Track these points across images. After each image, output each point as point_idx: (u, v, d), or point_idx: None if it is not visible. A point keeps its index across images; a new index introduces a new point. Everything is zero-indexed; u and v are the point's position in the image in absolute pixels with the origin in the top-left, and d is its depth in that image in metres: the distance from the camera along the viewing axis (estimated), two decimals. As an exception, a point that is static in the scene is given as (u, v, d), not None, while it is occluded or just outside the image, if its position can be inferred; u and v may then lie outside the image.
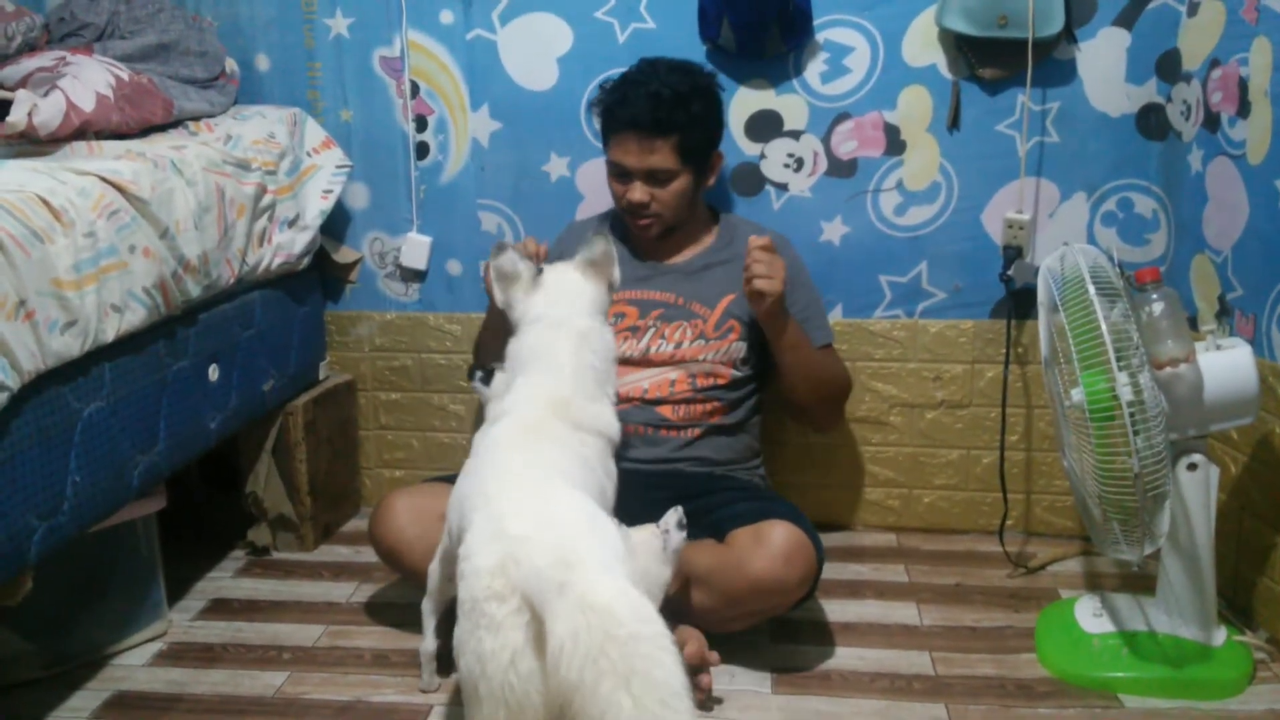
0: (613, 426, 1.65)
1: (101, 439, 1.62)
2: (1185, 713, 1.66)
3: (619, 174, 2.01)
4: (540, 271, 1.73)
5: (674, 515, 1.63)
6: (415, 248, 2.38)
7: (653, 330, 2.02)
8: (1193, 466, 1.67)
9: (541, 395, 1.60)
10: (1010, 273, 2.16)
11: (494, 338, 1.96)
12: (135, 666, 1.83)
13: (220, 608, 2.05)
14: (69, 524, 1.56)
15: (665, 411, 2.00)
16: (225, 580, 2.17)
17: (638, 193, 1.98)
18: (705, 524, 1.83)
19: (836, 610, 2.01)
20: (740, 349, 2.02)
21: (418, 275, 2.41)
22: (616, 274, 1.76)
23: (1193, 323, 1.98)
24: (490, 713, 1.20)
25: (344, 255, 2.40)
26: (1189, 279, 2.05)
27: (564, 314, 1.68)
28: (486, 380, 1.77)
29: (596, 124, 2.09)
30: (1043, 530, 2.33)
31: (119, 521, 1.77)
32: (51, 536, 1.51)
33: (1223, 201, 1.91)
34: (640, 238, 2.07)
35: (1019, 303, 2.19)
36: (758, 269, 1.83)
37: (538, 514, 1.30)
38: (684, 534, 1.62)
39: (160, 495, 1.87)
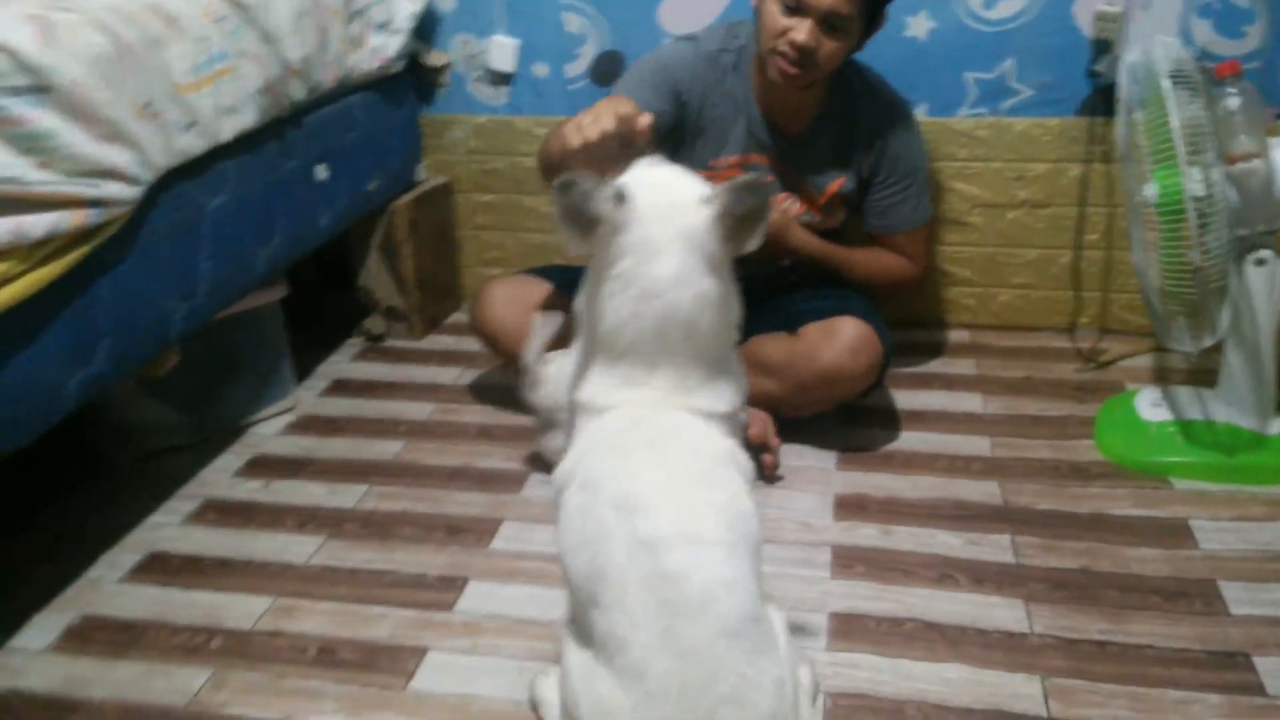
0: (739, 395, 1.24)
1: (226, 231, 1.79)
2: (1232, 495, 1.75)
3: (791, 7, 1.72)
4: (625, 201, 1.15)
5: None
6: (502, 50, 2.42)
7: None
8: (1260, 262, 1.69)
9: (637, 399, 1.18)
10: (1098, 68, 2.12)
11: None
12: (269, 435, 2.06)
13: (341, 387, 2.27)
14: (204, 306, 1.75)
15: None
16: (344, 364, 2.39)
17: (805, 34, 1.71)
18: (781, 318, 1.94)
19: (904, 399, 2.12)
20: (840, 218, 2.03)
21: (506, 78, 2.47)
22: (755, 244, 1.18)
23: (1284, 118, 1.94)
24: None
25: (434, 59, 2.47)
26: (1285, 72, 2.00)
27: (665, 274, 1.15)
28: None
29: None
30: (1118, 328, 2.38)
31: (247, 307, 1.97)
32: (191, 317, 1.71)
33: (1327, -12, 1.84)
34: (776, 85, 1.81)
35: (1106, 99, 2.16)
36: None
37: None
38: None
39: (281, 285, 2.05)
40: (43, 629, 1.52)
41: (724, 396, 1.21)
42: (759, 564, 1.15)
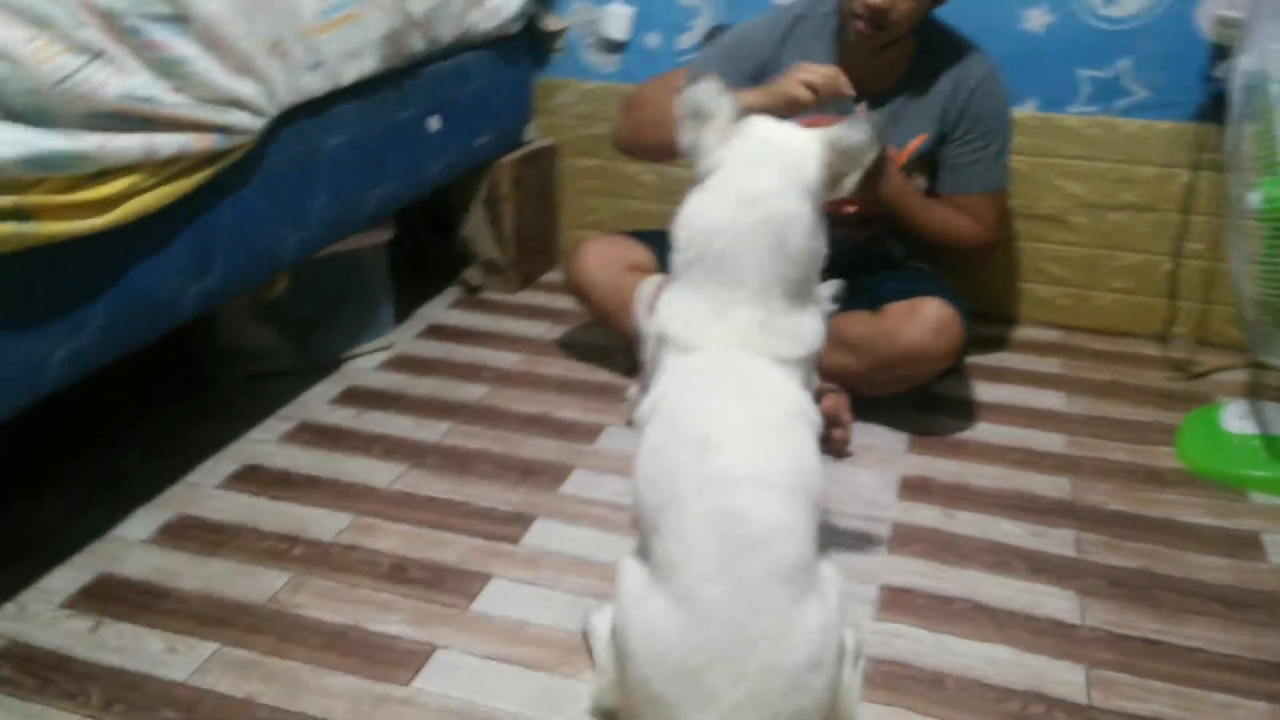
0: (818, 337, 1.31)
1: (341, 170, 1.89)
2: (1310, 514, 1.72)
3: None
4: (743, 114, 1.30)
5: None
6: (617, 18, 2.48)
7: None
8: (1364, 277, 1.65)
9: (721, 336, 1.25)
10: (1215, 74, 2.08)
11: (656, 136, 1.75)
12: (365, 369, 2.17)
13: (436, 331, 2.37)
14: (316, 238, 1.86)
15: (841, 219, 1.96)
16: (441, 310, 2.49)
17: None
18: (864, 298, 1.95)
19: (985, 391, 2.12)
20: (921, 183, 2.03)
21: (618, 46, 2.53)
22: (853, 182, 1.30)
23: None
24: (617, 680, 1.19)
25: (551, 23, 2.54)
26: None
27: (764, 185, 1.26)
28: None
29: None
30: (1216, 341, 2.32)
31: (356, 246, 2.07)
32: (302, 246, 1.82)
33: None
34: (854, 46, 1.86)
35: (1221, 106, 2.10)
36: None
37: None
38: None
39: (389, 227, 2.15)
40: (143, 523, 1.65)
41: (804, 338, 1.28)
42: (818, 516, 1.20)
